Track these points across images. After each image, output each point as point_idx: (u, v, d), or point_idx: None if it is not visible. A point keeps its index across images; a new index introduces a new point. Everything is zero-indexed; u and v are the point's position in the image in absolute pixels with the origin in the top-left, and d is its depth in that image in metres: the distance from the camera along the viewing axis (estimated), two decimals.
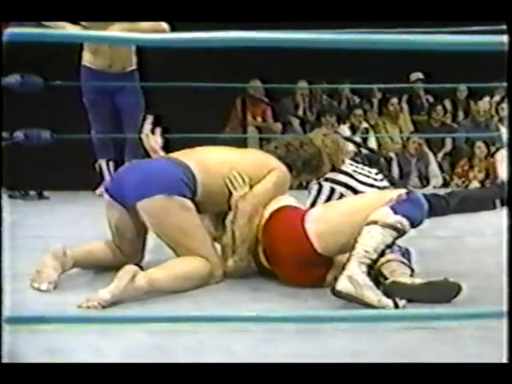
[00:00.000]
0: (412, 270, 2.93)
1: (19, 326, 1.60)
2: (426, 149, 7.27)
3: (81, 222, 4.17)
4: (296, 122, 7.39)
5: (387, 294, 2.67)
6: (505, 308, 1.57)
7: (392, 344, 2.33)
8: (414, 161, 7.05)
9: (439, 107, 7.59)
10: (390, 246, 2.73)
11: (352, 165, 3.52)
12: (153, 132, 3.41)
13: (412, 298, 2.68)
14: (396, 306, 2.58)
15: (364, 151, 6.91)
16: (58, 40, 1.65)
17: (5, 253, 1.55)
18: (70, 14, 3.55)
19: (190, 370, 1.87)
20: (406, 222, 2.70)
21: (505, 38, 1.45)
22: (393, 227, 2.66)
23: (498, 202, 4.50)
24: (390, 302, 2.58)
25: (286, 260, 2.91)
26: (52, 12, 3.35)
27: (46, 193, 4.99)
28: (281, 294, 2.87)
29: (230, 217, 3.05)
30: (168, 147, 3.50)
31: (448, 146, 7.48)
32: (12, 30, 1.47)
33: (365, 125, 7.36)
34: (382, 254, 2.70)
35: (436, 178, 7.03)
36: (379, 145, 7.38)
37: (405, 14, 3.54)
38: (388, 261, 2.92)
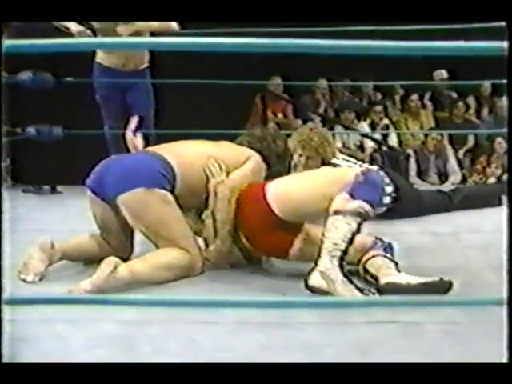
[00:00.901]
0: (396, 264, 2.91)
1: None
2: (447, 145, 7.20)
3: (87, 216, 4.20)
4: (317, 119, 7.37)
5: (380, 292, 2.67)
6: (504, 296, 1.60)
7: (356, 337, 2.33)
8: (433, 157, 6.98)
9: (460, 103, 7.52)
10: (357, 232, 2.76)
11: (343, 159, 3.54)
12: (134, 133, 3.49)
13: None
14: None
15: (383, 148, 6.90)
16: (52, 50, 1.71)
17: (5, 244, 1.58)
18: (76, 14, 3.57)
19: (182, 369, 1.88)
20: (366, 206, 2.75)
21: (504, 44, 1.47)
22: (355, 213, 2.71)
23: (504, 198, 4.43)
24: (362, 296, 2.57)
25: (252, 226, 2.99)
26: (56, 11, 3.36)
27: (59, 187, 5.06)
28: (259, 287, 2.88)
29: (209, 201, 3.07)
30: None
31: (470, 143, 7.40)
32: (11, 42, 1.54)
33: (385, 121, 7.32)
34: (351, 241, 2.72)
35: (455, 175, 6.95)
36: (400, 141, 7.34)
37: (405, 14, 3.52)
38: (372, 257, 2.92)
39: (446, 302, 2.15)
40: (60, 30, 4.81)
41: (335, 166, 3.57)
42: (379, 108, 7.32)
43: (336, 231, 2.69)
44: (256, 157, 3.24)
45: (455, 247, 3.52)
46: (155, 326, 2.39)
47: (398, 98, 7.85)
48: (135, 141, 3.46)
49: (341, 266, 2.67)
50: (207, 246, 3.13)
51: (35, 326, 2.32)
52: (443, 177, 6.96)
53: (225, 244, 3.06)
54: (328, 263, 2.65)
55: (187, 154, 3.12)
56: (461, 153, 7.26)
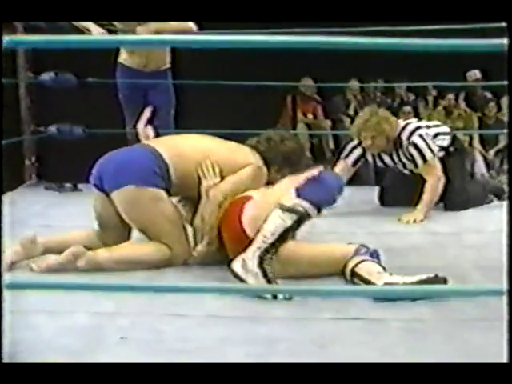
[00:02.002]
0: (384, 269, 2.91)
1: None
2: (478, 146, 7.12)
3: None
4: (347, 120, 7.38)
5: (379, 300, 2.61)
6: (505, 287, 1.60)
7: (317, 332, 2.36)
8: None
9: (492, 104, 7.44)
10: (293, 230, 2.76)
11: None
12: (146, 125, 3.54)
13: (405, 298, 2.61)
14: (274, 297, 2.58)
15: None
16: (54, 46, 1.79)
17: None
18: (76, 14, 3.64)
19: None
20: (307, 205, 2.74)
21: (505, 41, 1.51)
22: (291, 210, 2.70)
23: None
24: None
25: (228, 239, 3.02)
26: (57, 12, 3.43)
27: (80, 185, 5.16)
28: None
29: (201, 204, 3.12)
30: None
31: (501, 143, 7.31)
32: (11, 38, 1.59)
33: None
34: (284, 237, 2.71)
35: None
36: None
37: (405, 14, 3.51)
38: (361, 261, 2.91)
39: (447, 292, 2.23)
40: (81, 31, 4.93)
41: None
42: (408, 108, 7.29)
43: (269, 224, 2.72)
44: (256, 165, 3.21)
45: (451, 247, 3.50)
46: (126, 318, 2.46)
47: (430, 98, 7.79)
48: (147, 132, 3.53)
49: (261, 258, 2.67)
50: (194, 235, 3.18)
51: (11, 315, 2.38)
52: (470, 177, 6.87)
53: (211, 246, 3.11)
54: (251, 253, 2.69)
55: (184, 147, 3.16)
56: (491, 153, 7.18)
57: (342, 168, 4.45)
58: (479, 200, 4.54)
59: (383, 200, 4.59)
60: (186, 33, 4.95)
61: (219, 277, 2.90)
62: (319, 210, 2.78)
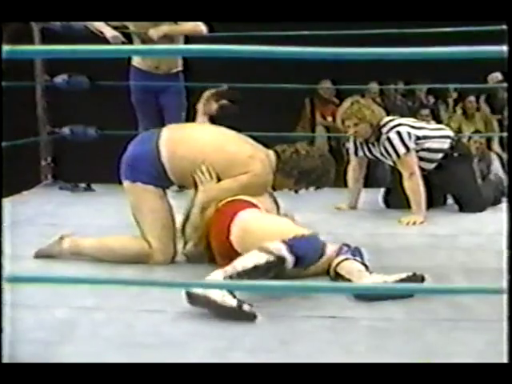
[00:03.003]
0: (366, 267, 2.93)
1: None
2: (497, 148, 7.08)
3: (107, 213, 4.38)
4: None
5: (359, 298, 2.67)
6: (504, 285, 1.60)
7: (282, 329, 2.42)
8: (476, 160, 6.86)
9: None
10: (263, 270, 2.58)
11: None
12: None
13: (387, 297, 2.64)
14: (239, 307, 2.44)
15: None
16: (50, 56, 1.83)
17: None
18: (77, 14, 3.70)
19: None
20: (285, 251, 2.61)
21: (504, 48, 1.53)
22: (267, 250, 2.60)
23: None
24: (234, 301, 2.45)
25: (215, 244, 3.05)
26: (57, 12, 3.47)
27: (94, 186, 5.26)
28: None
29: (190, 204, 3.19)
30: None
31: None
32: (11, 48, 1.66)
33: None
34: (251, 274, 2.56)
35: None
36: None
37: (405, 14, 3.53)
38: (341, 261, 2.94)
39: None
40: (95, 34, 5.02)
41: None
42: (426, 111, 7.27)
43: (243, 258, 2.64)
44: (254, 173, 3.18)
45: (443, 248, 3.51)
46: (103, 313, 2.52)
47: (451, 101, 7.76)
48: (210, 106, 3.63)
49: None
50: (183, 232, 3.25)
51: None
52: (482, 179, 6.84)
53: (198, 246, 3.17)
54: (215, 275, 2.58)
55: (185, 149, 3.17)
56: None
57: (355, 165, 4.55)
58: (495, 199, 4.58)
59: (387, 202, 4.60)
60: (196, 35, 5.04)
61: (203, 275, 2.94)
62: (296, 264, 2.65)
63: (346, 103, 4.41)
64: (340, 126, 4.44)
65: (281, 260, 2.59)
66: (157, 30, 4.90)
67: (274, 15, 4.02)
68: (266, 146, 3.38)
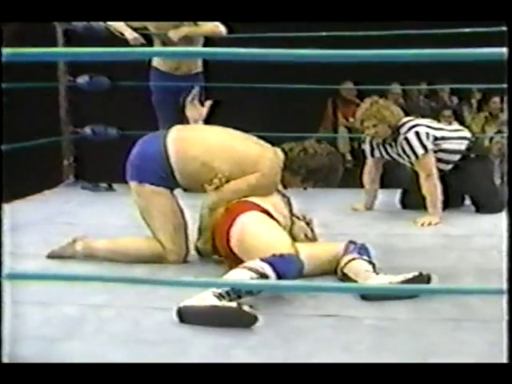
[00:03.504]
0: (373, 265, 2.94)
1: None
2: None
3: (125, 212, 4.42)
4: None
5: (366, 299, 2.68)
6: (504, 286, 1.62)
7: (285, 327, 2.44)
8: (497, 161, 6.83)
9: None
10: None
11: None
12: (202, 104, 3.68)
13: (393, 298, 2.65)
14: (240, 308, 2.42)
15: None
16: (49, 59, 1.87)
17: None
18: (78, 14, 3.70)
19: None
20: (268, 270, 2.59)
21: (504, 50, 1.54)
22: (251, 269, 2.59)
23: None
24: (233, 303, 2.45)
25: (220, 250, 3.09)
26: (57, 12, 3.48)
27: (115, 185, 5.31)
28: None
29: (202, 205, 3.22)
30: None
31: None
32: (11, 51, 1.69)
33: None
34: (236, 292, 2.51)
35: None
36: None
37: (404, 14, 3.53)
38: (348, 261, 2.95)
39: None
40: (115, 35, 5.08)
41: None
42: (448, 112, 7.24)
43: (229, 275, 2.64)
44: (263, 173, 3.20)
45: (456, 249, 3.51)
46: (111, 310, 2.56)
47: (474, 101, 7.71)
48: (194, 111, 3.68)
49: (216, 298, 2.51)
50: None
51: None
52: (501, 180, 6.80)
53: (207, 245, 3.21)
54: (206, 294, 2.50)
55: (193, 152, 3.18)
56: None
57: (371, 166, 4.55)
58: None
59: (404, 203, 4.60)
60: (215, 36, 5.08)
61: (213, 274, 2.98)
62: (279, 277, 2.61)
63: (365, 104, 4.40)
64: (358, 126, 4.44)
65: (265, 277, 2.57)
66: (177, 32, 4.94)
67: (292, 15, 4.03)
68: (273, 144, 3.39)
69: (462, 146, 4.36)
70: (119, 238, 3.32)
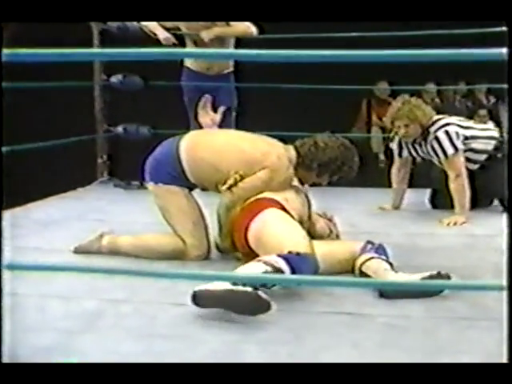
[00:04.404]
0: (391, 265, 2.94)
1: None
2: None
3: (152, 210, 4.47)
4: None
5: (384, 297, 2.69)
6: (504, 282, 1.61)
7: (299, 323, 2.46)
8: None
9: None
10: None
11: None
12: (215, 111, 3.74)
13: (410, 296, 2.66)
14: (256, 293, 2.43)
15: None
16: (49, 59, 1.92)
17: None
18: (78, 14, 3.72)
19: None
20: (284, 265, 2.61)
21: (504, 50, 1.54)
22: (266, 262, 2.62)
23: None
24: (249, 288, 2.44)
25: (239, 248, 3.15)
26: (57, 12, 3.49)
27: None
28: None
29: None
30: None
31: None
32: (12, 52, 1.69)
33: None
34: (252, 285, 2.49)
35: None
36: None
37: (404, 14, 3.51)
38: (367, 260, 2.96)
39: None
40: (148, 35, 5.14)
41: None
42: (483, 112, 7.18)
43: (244, 267, 2.66)
44: (273, 167, 3.23)
45: (478, 249, 3.50)
46: (129, 305, 2.61)
47: None
48: (207, 118, 3.78)
49: None
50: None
51: (23, 297, 2.58)
52: None
53: (224, 242, 3.27)
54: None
55: (203, 154, 3.26)
56: None
57: (399, 166, 4.55)
58: None
59: (434, 202, 4.58)
60: (247, 37, 5.11)
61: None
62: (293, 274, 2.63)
63: (397, 103, 4.39)
64: (388, 125, 4.45)
65: (280, 272, 2.58)
66: (208, 32, 4.98)
67: (321, 15, 4.03)
68: (285, 142, 3.43)
69: (489, 146, 4.34)
70: (143, 235, 3.40)
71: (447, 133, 4.22)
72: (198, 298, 2.45)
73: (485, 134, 4.40)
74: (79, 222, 4.13)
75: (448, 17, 3.41)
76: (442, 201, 4.47)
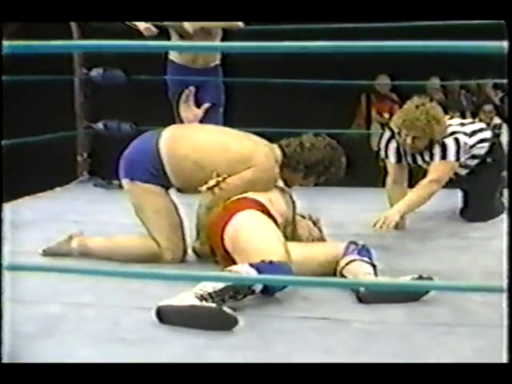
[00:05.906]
0: (374, 266, 2.97)
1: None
2: None
3: (132, 210, 4.51)
4: None
5: (362, 301, 2.74)
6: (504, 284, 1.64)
7: (275, 328, 2.51)
8: None
9: None
10: (233, 292, 2.59)
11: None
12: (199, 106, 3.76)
13: (389, 301, 2.70)
14: (220, 308, 2.48)
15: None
16: (47, 51, 1.96)
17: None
18: (77, 14, 3.79)
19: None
20: (253, 272, 2.64)
21: (505, 43, 1.58)
22: (237, 273, 2.65)
23: None
24: (213, 304, 2.51)
25: (215, 251, 3.17)
26: (57, 12, 3.57)
27: None
28: None
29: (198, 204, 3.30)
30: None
31: None
32: (10, 44, 1.74)
33: (496, 121, 7.17)
34: (219, 295, 2.57)
35: None
36: None
37: (404, 14, 3.56)
38: (348, 262, 3.00)
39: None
40: (130, 27, 5.18)
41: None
42: (489, 107, 7.20)
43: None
44: (260, 167, 3.27)
45: (470, 251, 3.54)
46: (93, 310, 2.67)
47: None
48: (189, 113, 3.80)
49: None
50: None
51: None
52: None
53: (204, 245, 3.29)
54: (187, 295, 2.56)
55: (184, 151, 3.27)
56: None
57: (392, 171, 4.16)
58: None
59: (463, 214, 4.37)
60: (233, 28, 5.14)
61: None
62: (264, 289, 2.67)
63: (411, 107, 3.97)
64: (395, 128, 4.03)
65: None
66: (192, 23, 5.01)
67: (315, 14, 4.06)
68: (270, 140, 3.45)
69: (483, 150, 4.16)
70: (115, 236, 3.42)
71: (457, 141, 3.96)
72: (161, 314, 2.51)
73: (482, 136, 4.19)
74: (54, 224, 4.16)
75: (448, 17, 3.46)
76: (472, 213, 4.27)
